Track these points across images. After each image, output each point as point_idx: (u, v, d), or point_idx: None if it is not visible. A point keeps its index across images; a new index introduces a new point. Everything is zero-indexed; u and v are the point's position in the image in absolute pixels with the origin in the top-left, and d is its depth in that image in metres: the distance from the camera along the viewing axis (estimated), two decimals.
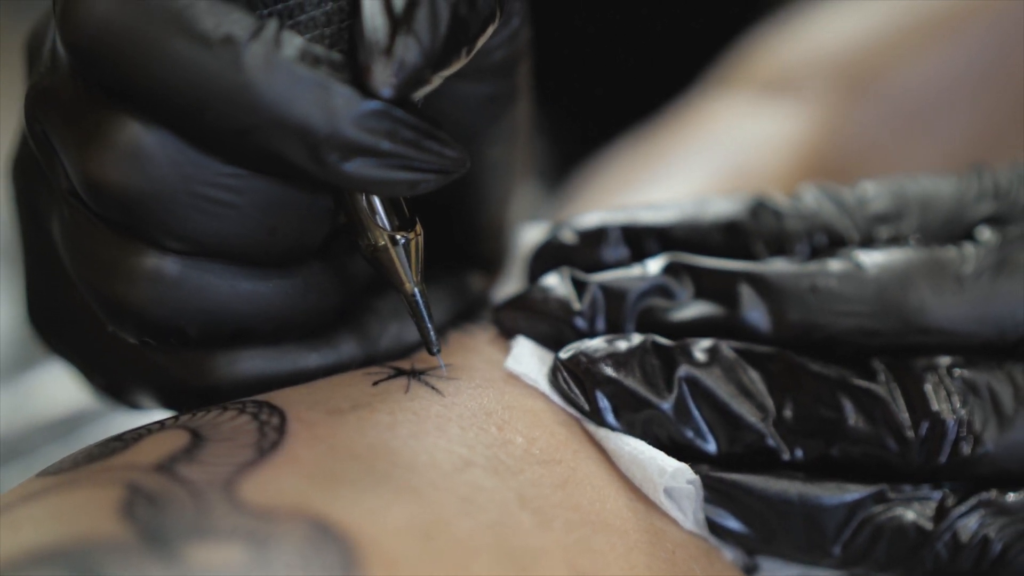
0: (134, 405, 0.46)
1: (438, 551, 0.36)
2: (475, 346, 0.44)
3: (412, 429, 0.39)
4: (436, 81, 0.38)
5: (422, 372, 0.42)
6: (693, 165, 0.68)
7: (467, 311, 0.47)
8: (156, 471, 0.37)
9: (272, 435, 0.38)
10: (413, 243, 0.41)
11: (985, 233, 0.44)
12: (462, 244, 0.48)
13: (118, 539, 0.34)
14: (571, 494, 0.39)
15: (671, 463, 0.40)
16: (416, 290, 0.42)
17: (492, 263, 0.49)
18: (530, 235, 0.48)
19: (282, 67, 0.36)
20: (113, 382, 0.45)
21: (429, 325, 0.42)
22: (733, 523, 0.41)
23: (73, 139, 0.38)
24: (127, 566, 0.33)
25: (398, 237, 0.41)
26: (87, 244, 0.40)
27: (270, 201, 0.39)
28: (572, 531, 0.38)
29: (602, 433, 0.42)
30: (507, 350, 0.44)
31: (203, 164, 0.38)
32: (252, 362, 0.42)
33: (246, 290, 0.40)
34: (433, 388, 0.41)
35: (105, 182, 0.38)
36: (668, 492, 0.41)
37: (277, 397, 0.40)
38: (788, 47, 0.74)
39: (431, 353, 0.42)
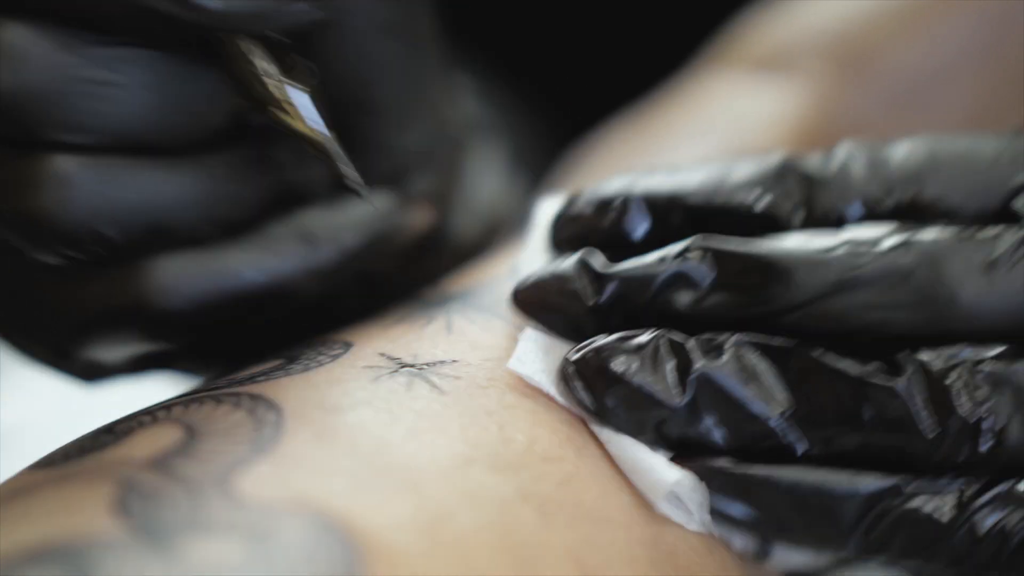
0: (98, 373, 0.45)
1: (441, 545, 0.35)
2: (479, 341, 0.43)
3: (412, 427, 0.38)
4: None
5: (424, 366, 0.41)
6: (688, 144, 0.67)
7: (414, 250, 0.46)
8: (150, 467, 0.36)
9: (269, 431, 0.37)
10: (309, 89, 0.41)
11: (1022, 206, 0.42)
12: (374, 169, 0.46)
13: (113, 535, 0.33)
14: (574, 490, 0.38)
15: (672, 474, 0.39)
16: (325, 133, 0.41)
17: (410, 186, 0.48)
18: (546, 206, 0.47)
19: None
20: (62, 344, 0.44)
21: (349, 165, 0.41)
22: (745, 513, 0.40)
23: None
24: (124, 563, 0.33)
25: (293, 86, 0.41)
26: None
27: (155, 76, 0.39)
28: (575, 527, 0.37)
29: (604, 435, 0.41)
30: (513, 344, 0.43)
31: (74, 46, 0.38)
32: (183, 265, 0.41)
33: (154, 181, 0.40)
34: (434, 386, 0.40)
35: None
36: (672, 493, 0.40)
37: (273, 391, 0.39)
38: (782, 24, 0.73)
39: (359, 195, 0.42)
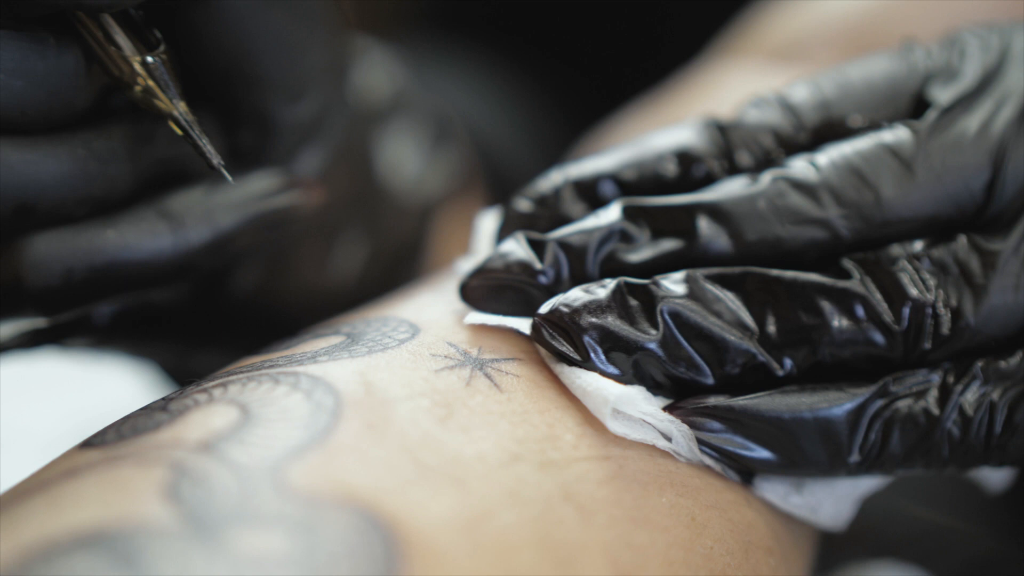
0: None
1: (480, 543, 0.35)
2: None
3: (464, 423, 0.39)
4: None
5: (487, 362, 0.41)
6: None
7: (280, 220, 0.47)
8: (202, 451, 0.36)
9: (324, 418, 0.37)
10: (163, 61, 0.42)
11: (928, 111, 0.43)
12: (261, 144, 0.47)
13: (162, 523, 0.34)
14: (616, 490, 0.39)
15: (615, 390, 0.40)
16: (180, 106, 0.42)
17: (300, 162, 0.48)
18: (487, 218, 0.47)
19: None
20: None
21: (204, 140, 0.42)
22: (763, 453, 0.40)
23: None
24: (170, 553, 0.33)
25: (148, 59, 0.41)
26: None
27: (13, 56, 0.39)
28: (614, 527, 0.38)
29: (558, 368, 0.41)
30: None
31: None
32: (54, 242, 0.42)
33: (18, 160, 0.40)
34: (493, 383, 0.40)
35: None
36: (668, 432, 0.40)
37: (334, 375, 0.40)
38: (797, 14, 0.73)
39: (212, 167, 0.42)
